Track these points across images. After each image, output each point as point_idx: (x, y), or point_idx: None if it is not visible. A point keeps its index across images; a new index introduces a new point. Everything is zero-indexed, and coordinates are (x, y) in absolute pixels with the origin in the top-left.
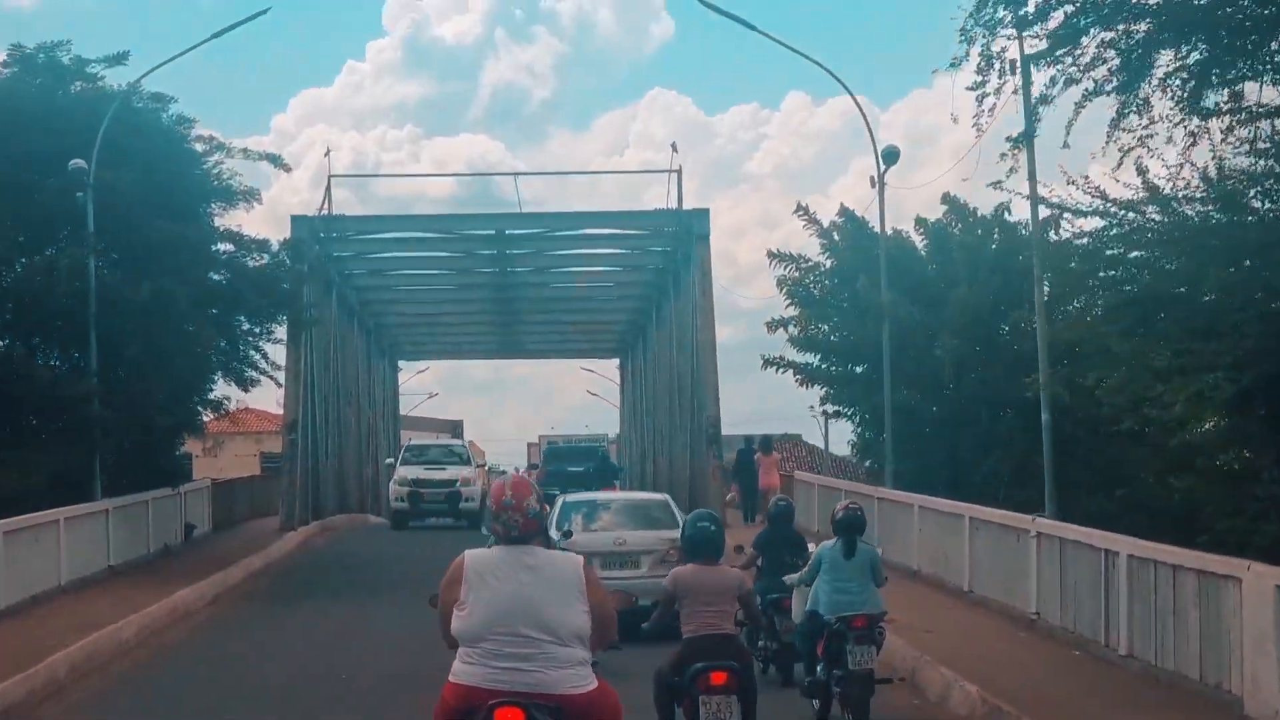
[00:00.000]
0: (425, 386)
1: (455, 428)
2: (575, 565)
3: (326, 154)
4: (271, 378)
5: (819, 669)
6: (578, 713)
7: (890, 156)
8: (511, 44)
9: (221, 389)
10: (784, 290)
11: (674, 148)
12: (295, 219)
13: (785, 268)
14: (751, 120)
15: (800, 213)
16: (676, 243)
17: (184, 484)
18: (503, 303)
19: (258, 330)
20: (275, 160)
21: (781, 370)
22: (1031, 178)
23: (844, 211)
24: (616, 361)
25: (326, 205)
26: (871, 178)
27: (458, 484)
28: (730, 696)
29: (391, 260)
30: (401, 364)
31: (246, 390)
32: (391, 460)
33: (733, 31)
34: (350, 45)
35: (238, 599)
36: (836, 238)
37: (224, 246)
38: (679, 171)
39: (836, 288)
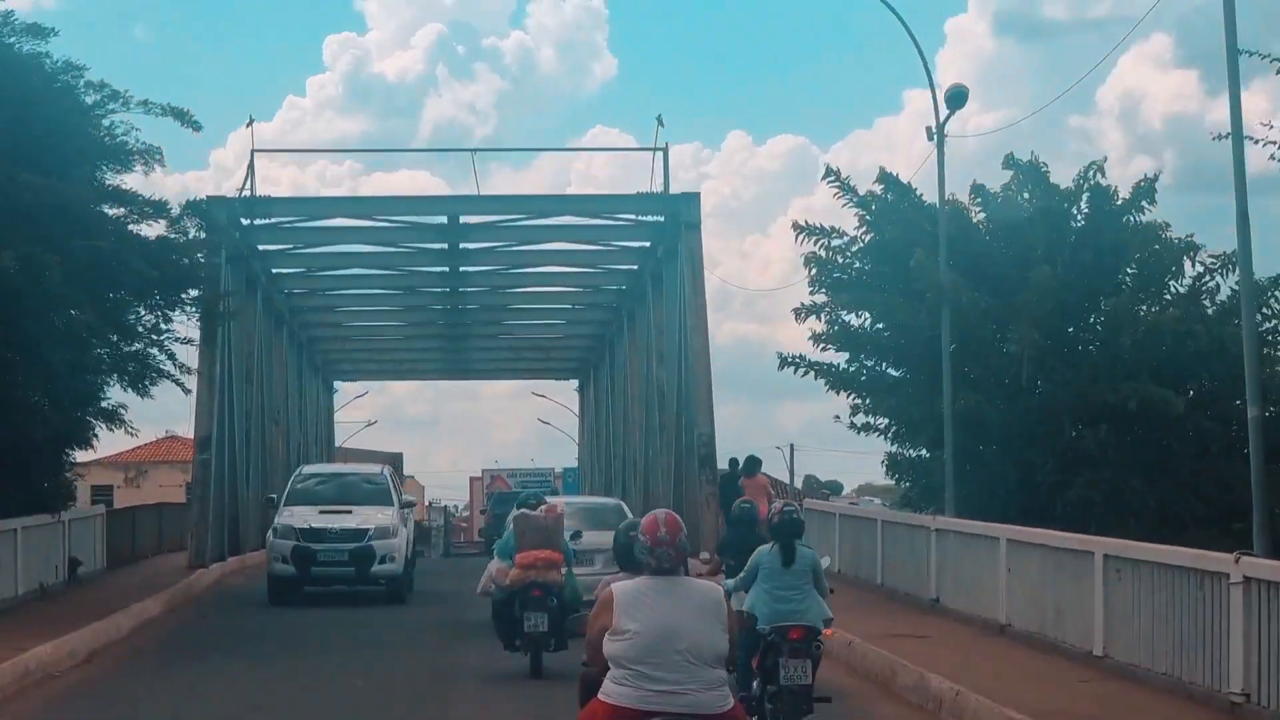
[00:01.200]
0: (362, 418)
1: (394, 460)
2: (718, 594)
3: (249, 123)
4: (178, 383)
5: (754, 684)
6: None
7: (956, 99)
8: (453, 80)
9: (120, 396)
10: (810, 271)
11: (660, 121)
12: (212, 200)
13: (814, 243)
14: (693, 160)
15: (830, 178)
16: (658, 236)
17: (68, 510)
18: (452, 314)
19: (157, 319)
20: (182, 117)
21: (803, 373)
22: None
23: (884, 176)
24: (575, 384)
25: (249, 185)
26: (929, 127)
27: (370, 536)
28: None
29: (326, 257)
30: (338, 387)
31: (142, 395)
32: (274, 496)
33: (676, 70)
34: (290, 80)
35: (121, 656)
36: (872, 215)
37: (113, 212)
38: (665, 150)
39: (875, 270)
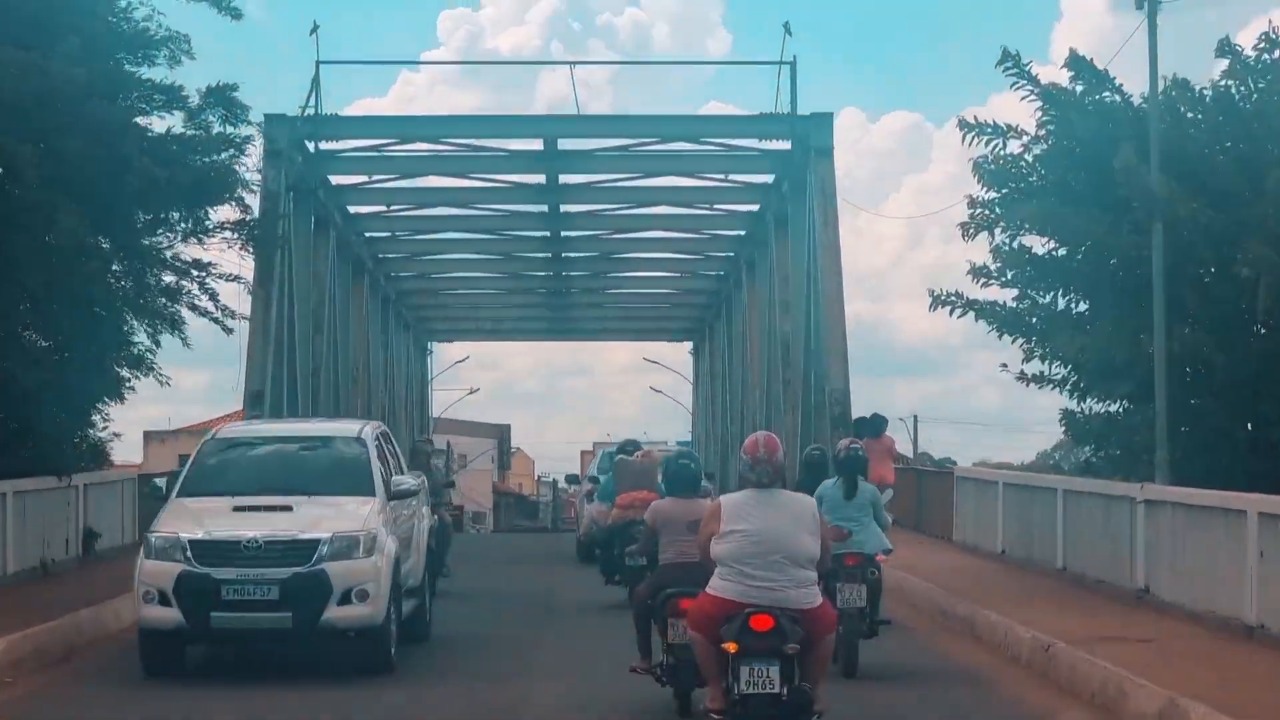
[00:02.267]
0: (474, 402)
1: (501, 433)
2: (811, 506)
3: (313, 30)
4: (217, 321)
5: None
6: (809, 620)
7: None
8: (568, 56)
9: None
10: (981, 180)
11: (786, 29)
12: (270, 118)
13: (987, 144)
14: None
15: (1007, 66)
16: (784, 168)
17: (83, 473)
18: (554, 264)
19: (178, 240)
20: (216, 2)
21: (960, 313)
22: None
23: (1074, 61)
24: (689, 347)
25: (314, 102)
26: None
27: (322, 553)
28: None
29: (408, 193)
30: (432, 348)
31: (156, 336)
32: (158, 480)
33: (789, 46)
34: (405, 56)
35: (99, 660)
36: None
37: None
38: (793, 64)
39: (1062, 180)
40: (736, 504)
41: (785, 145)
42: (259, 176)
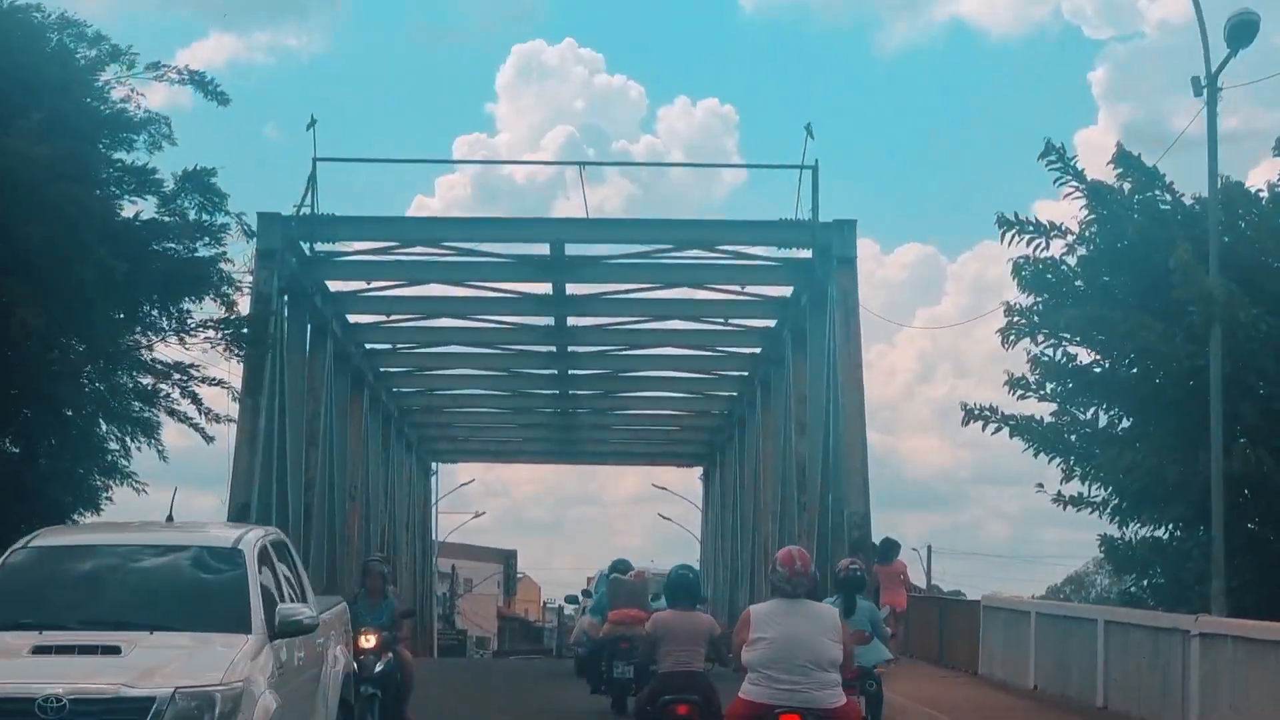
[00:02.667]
0: (480, 527)
1: (507, 559)
2: (834, 615)
3: (310, 125)
4: (198, 428)
5: None
6: (834, 718)
7: (1243, 30)
8: (582, 182)
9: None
10: (1020, 283)
11: (809, 132)
12: (263, 217)
13: (1028, 244)
14: None
15: (1051, 160)
16: (804, 279)
17: None
18: (560, 382)
19: (149, 336)
20: (204, 86)
21: (995, 428)
22: None
23: (1123, 157)
24: (699, 473)
25: (310, 200)
26: (1196, 78)
27: (157, 713)
28: None
29: (411, 303)
30: (436, 469)
31: (131, 440)
32: None
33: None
34: (421, 181)
35: None
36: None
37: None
38: (814, 168)
39: (1110, 283)
40: (763, 613)
41: (805, 254)
42: (246, 274)
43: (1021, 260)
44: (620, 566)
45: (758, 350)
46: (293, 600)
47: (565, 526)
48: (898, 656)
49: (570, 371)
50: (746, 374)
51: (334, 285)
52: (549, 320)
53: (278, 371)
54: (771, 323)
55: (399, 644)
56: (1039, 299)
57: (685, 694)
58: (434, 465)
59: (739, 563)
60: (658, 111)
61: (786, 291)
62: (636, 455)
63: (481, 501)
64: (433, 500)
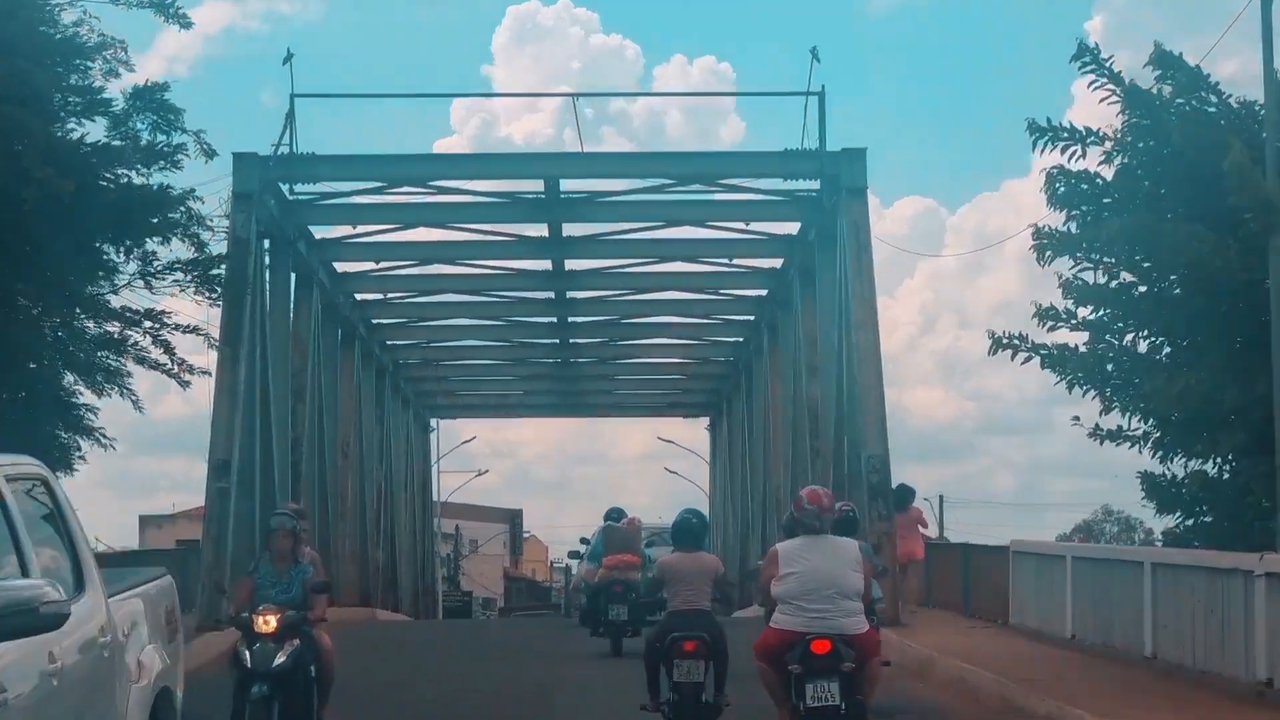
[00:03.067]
0: (487, 487)
1: (514, 518)
2: (855, 548)
3: (287, 60)
4: (175, 377)
5: None
6: (859, 644)
7: None
8: (580, 144)
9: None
10: (1052, 197)
11: (814, 55)
12: (239, 157)
13: (1063, 151)
14: None
15: (1084, 61)
16: (811, 214)
17: None
18: (560, 330)
19: (122, 275)
20: (162, 7)
21: (1025, 358)
22: None
23: (1162, 56)
24: (705, 423)
25: (289, 138)
26: None
27: None
28: (698, 661)
29: (398, 248)
30: (435, 425)
31: (99, 393)
32: None
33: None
34: (418, 144)
35: None
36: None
37: None
38: (821, 94)
39: (1151, 192)
40: (790, 550)
41: (812, 188)
42: (222, 218)
43: (1055, 170)
44: (613, 515)
45: (764, 293)
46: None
47: (572, 485)
48: (916, 608)
49: (570, 319)
50: (752, 318)
51: (319, 232)
52: (546, 264)
53: (258, 321)
54: (778, 263)
55: (313, 626)
56: (1074, 214)
57: (693, 631)
58: (433, 422)
59: (749, 513)
60: (654, 71)
61: (793, 229)
62: (641, 408)
63: (488, 462)
64: (432, 458)
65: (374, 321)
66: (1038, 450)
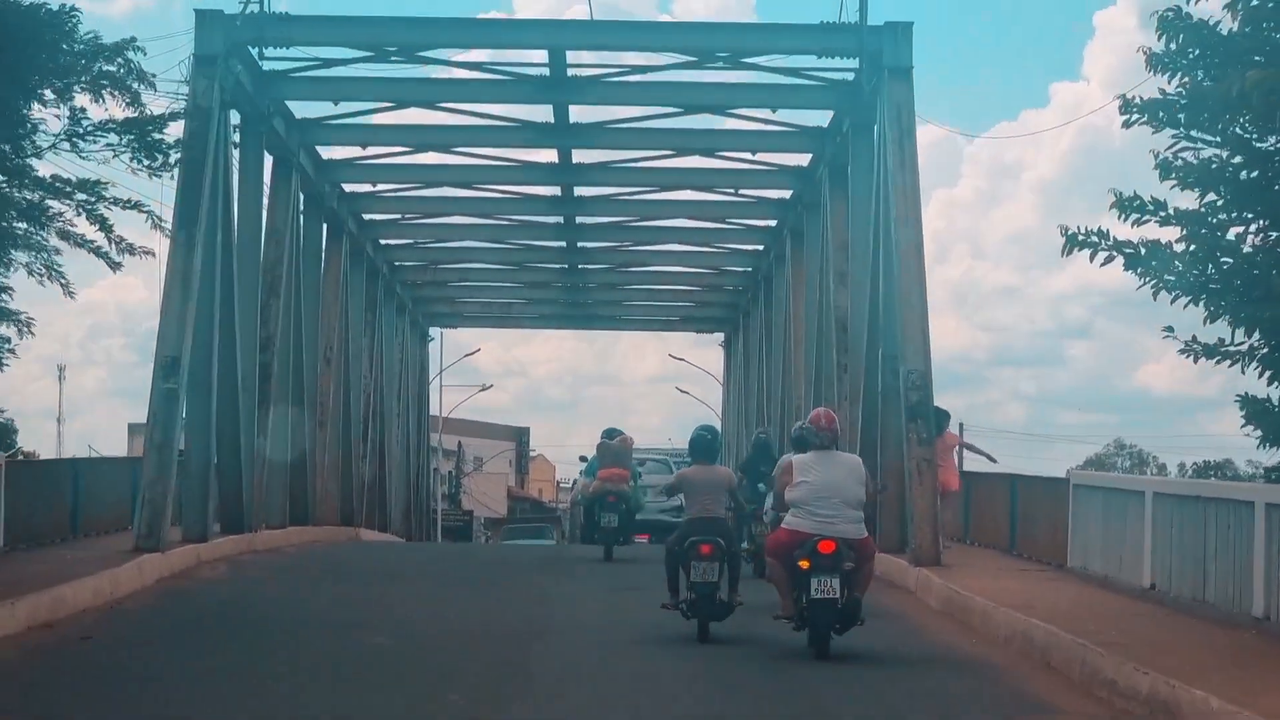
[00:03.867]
0: (497, 406)
1: (520, 436)
2: (859, 462)
3: None
4: (106, 258)
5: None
6: (858, 547)
7: None
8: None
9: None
10: (1151, 61)
11: None
12: (202, 15)
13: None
14: None
15: None
16: (847, 103)
17: None
18: (567, 231)
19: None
20: None
21: (1106, 258)
22: None
23: None
24: (720, 340)
25: None
26: None
27: None
28: (713, 563)
29: (389, 132)
30: (434, 335)
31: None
32: None
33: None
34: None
35: None
36: None
37: None
38: None
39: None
40: (804, 461)
41: (848, 73)
42: (180, 83)
43: (1169, 12)
44: (609, 434)
45: (787, 195)
46: None
47: (583, 405)
48: (950, 544)
49: (578, 219)
50: (774, 224)
51: (300, 110)
52: (552, 155)
53: (220, 202)
54: (805, 159)
55: None
56: (1182, 79)
57: (708, 535)
58: (432, 332)
59: (769, 436)
60: None
61: (824, 120)
62: (652, 321)
63: (498, 380)
64: (430, 369)
65: (365, 217)
66: (1047, 383)
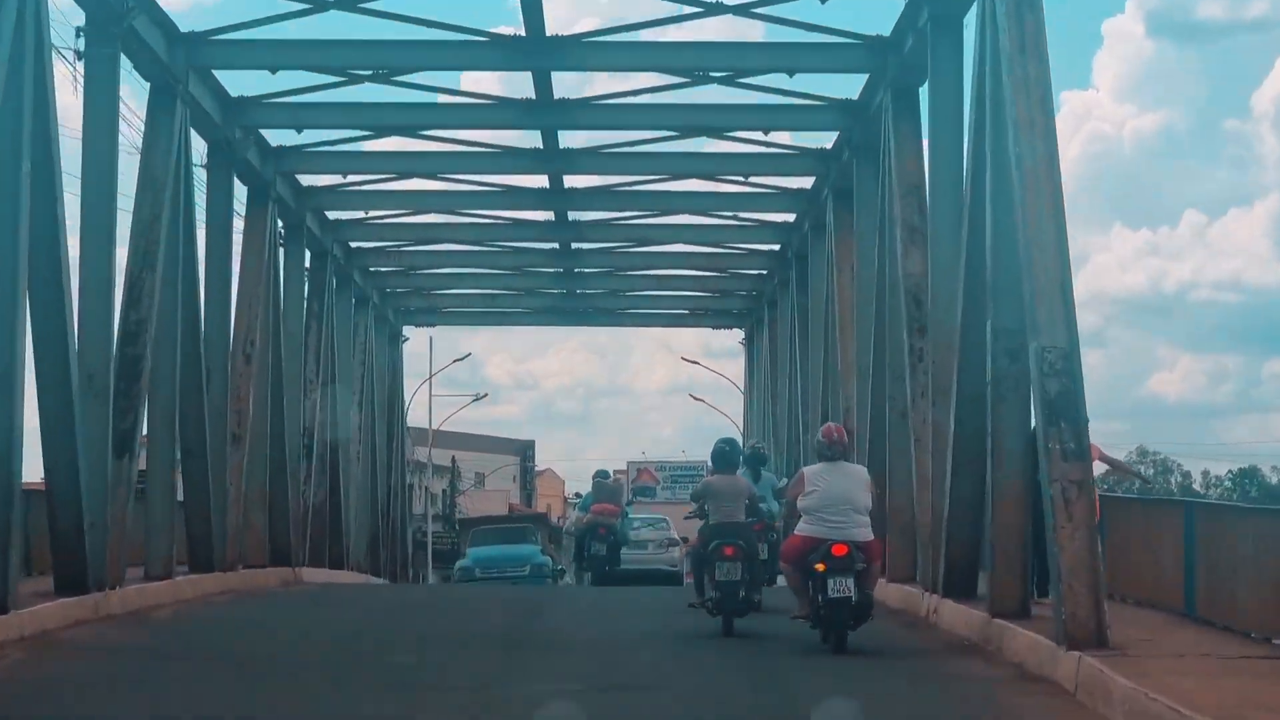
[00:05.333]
0: (507, 418)
1: (525, 450)
2: (864, 472)
3: None
4: None
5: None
6: (868, 549)
7: None
8: None
9: None
10: None
11: None
12: None
13: None
14: None
15: None
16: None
17: None
18: (555, 200)
19: None
20: None
21: None
22: None
23: None
24: (740, 335)
25: None
26: None
27: None
28: (736, 563)
29: (315, 54)
30: (409, 335)
31: None
32: None
33: None
34: None
35: None
36: None
37: None
38: None
39: None
40: (814, 472)
41: None
42: None
43: None
44: (602, 474)
45: (829, 144)
46: None
47: (595, 418)
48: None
49: (570, 213)
50: (811, 183)
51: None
52: (535, 136)
53: (43, 120)
54: (858, 85)
55: None
56: None
57: (731, 538)
58: (406, 331)
59: (802, 448)
60: None
61: (886, 27)
62: (659, 317)
63: (509, 394)
64: (402, 374)
65: (303, 183)
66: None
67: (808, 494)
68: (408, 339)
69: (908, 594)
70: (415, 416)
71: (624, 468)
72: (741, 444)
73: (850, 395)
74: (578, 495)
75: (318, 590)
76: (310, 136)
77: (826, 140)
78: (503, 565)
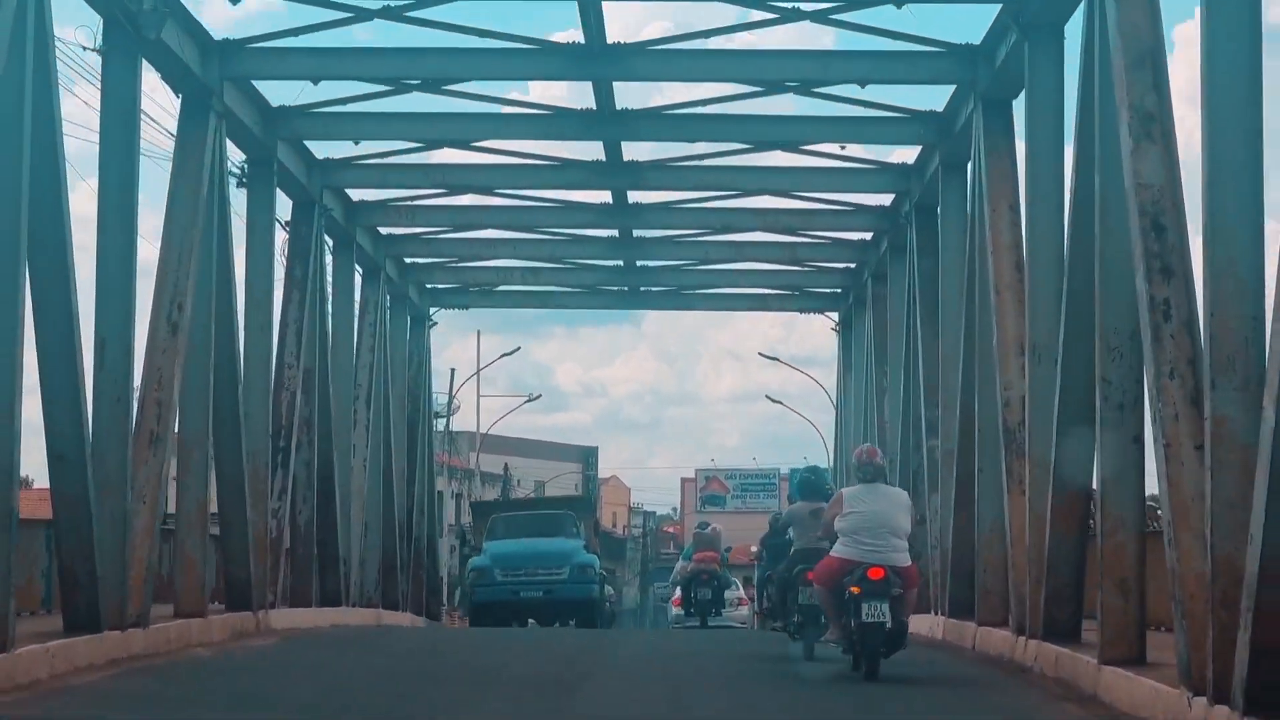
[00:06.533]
0: (575, 425)
1: (587, 457)
2: (905, 495)
3: None
4: None
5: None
6: (904, 574)
7: None
8: None
9: None
10: None
11: None
12: None
13: None
14: None
15: None
16: None
17: None
18: (614, 165)
19: None
20: None
21: None
22: None
23: None
24: (834, 319)
25: None
26: None
27: None
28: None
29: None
30: (436, 318)
31: None
32: None
33: None
34: None
35: None
36: None
37: None
38: None
39: None
40: (853, 494)
41: None
42: None
43: None
44: (702, 525)
45: (953, 85)
46: None
47: (663, 425)
48: None
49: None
50: (932, 136)
51: None
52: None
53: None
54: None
55: None
56: None
57: (813, 563)
58: (432, 312)
59: (923, 458)
60: None
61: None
62: (735, 299)
63: (578, 401)
64: (428, 364)
65: (275, 103)
66: None
67: (845, 515)
68: (435, 323)
69: None
70: (468, 421)
71: (692, 475)
72: (833, 466)
73: (1010, 373)
74: (681, 549)
75: (272, 646)
76: (353, 148)
77: (902, 155)
78: (532, 565)
